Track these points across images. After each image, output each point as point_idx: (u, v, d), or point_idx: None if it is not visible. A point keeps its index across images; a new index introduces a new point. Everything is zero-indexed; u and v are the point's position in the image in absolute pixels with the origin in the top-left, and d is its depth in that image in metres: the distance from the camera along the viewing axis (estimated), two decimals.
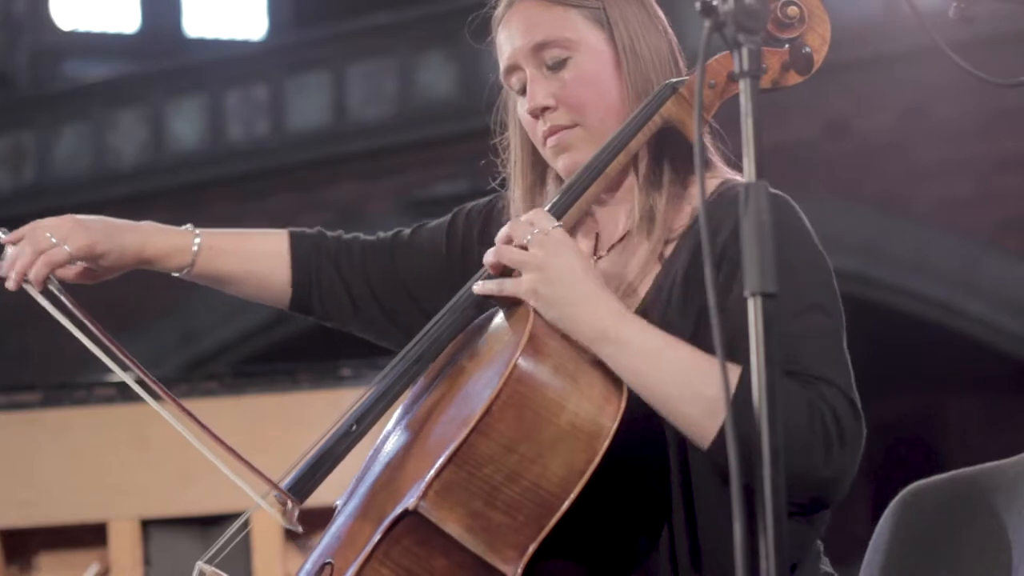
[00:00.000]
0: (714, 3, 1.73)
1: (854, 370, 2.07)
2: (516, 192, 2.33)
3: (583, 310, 2.05)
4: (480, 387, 2.04)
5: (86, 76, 14.61)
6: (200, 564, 2.21)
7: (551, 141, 2.23)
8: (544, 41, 2.22)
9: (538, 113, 2.23)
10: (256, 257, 2.44)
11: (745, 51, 1.73)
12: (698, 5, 1.72)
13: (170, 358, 12.18)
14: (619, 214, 2.27)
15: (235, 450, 2.15)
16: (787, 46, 2.18)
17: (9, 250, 2.32)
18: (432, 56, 12.24)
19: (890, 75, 10.46)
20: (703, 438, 2.02)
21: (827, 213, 10.71)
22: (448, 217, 2.46)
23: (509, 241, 2.11)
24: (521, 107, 2.27)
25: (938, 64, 2.43)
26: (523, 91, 2.26)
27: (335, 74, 12.66)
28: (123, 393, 4.19)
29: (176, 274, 2.42)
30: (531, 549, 1.98)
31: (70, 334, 2.27)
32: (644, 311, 2.16)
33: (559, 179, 2.28)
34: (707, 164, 2.25)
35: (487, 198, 2.44)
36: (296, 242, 2.45)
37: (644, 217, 2.22)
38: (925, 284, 10.74)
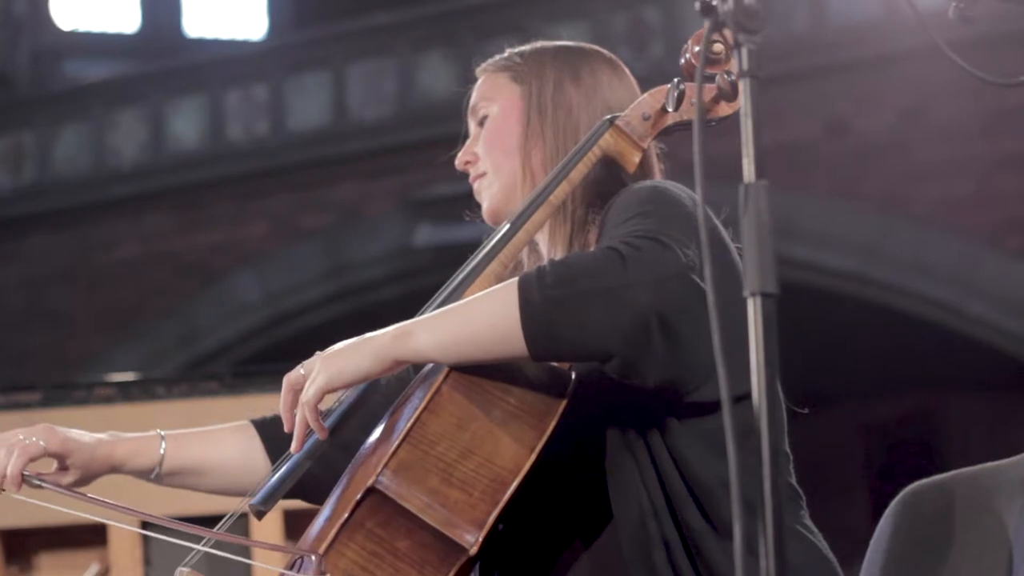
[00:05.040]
0: (714, 3, 1.73)
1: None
2: None
3: (364, 343, 2.15)
4: (432, 376, 2.15)
5: (86, 76, 14.59)
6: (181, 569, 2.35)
7: (474, 188, 2.46)
8: (475, 103, 2.49)
9: (464, 168, 2.47)
10: (225, 439, 2.57)
11: (745, 51, 1.73)
12: (698, 5, 1.73)
13: (170, 358, 12.16)
14: (557, 239, 2.39)
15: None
16: (716, 80, 2.28)
17: None
18: (432, 56, 12.24)
19: (890, 75, 10.45)
20: (521, 344, 2.07)
21: (827, 213, 10.70)
22: None
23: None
24: None
25: (938, 64, 2.44)
26: None
27: (335, 74, 12.65)
28: (123, 393, 4.18)
29: (150, 476, 2.60)
30: (489, 521, 2.06)
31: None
32: None
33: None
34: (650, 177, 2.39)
35: None
36: (260, 422, 2.56)
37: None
38: (925, 284, 10.72)
